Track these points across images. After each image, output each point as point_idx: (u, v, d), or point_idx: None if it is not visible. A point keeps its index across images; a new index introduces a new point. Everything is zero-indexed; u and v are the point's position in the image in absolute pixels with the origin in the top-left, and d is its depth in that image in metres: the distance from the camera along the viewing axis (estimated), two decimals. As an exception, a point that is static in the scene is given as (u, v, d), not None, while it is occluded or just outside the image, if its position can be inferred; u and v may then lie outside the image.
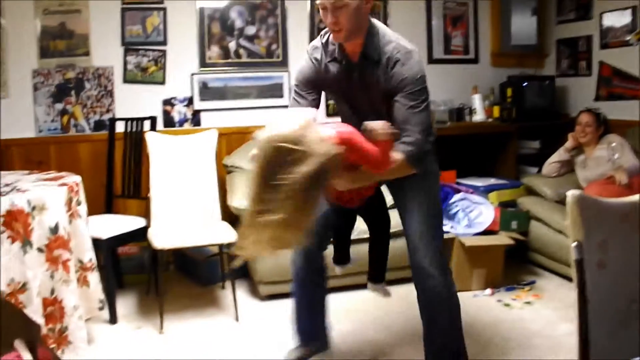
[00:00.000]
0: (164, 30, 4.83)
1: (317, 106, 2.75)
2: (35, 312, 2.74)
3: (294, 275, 3.00)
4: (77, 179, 3.28)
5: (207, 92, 4.94)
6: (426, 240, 2.65)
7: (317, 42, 2.73)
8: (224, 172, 4.65)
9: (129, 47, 4.78)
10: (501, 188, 4.76)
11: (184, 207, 4.05)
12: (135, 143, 4.38)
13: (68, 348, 2.95)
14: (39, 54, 4.61)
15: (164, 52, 4.84)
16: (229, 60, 4.98)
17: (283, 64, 5.07)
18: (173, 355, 3.24)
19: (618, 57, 4.95)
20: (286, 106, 4.93)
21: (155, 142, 4.13)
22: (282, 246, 2.10)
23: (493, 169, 5.23)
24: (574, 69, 5.43)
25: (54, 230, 2.88)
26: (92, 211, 3.66)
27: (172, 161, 4.12)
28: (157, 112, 4.79)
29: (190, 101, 4.93)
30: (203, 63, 4.92)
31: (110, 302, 3.70)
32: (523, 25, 5.52)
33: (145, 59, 4.80)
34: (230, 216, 4.14)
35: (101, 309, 3.39)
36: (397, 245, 3.12)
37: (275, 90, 5.03)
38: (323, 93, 2.83)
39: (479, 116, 5.24)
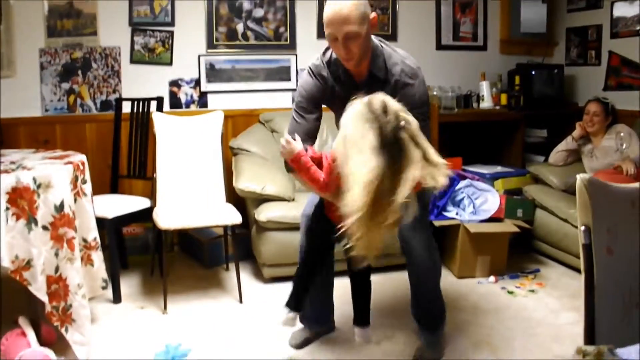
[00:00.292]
0: (171, 11, 4.80)
1: (318, 124, 2.81)
2: (39, 289, 2.75)
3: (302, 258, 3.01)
4: (83, 157, 3.28)
5: (214, 74, 4.92)
6: (416, 224, 2.72)
7: (319, 60, 2.78)
8: (229, 154, 4.64)
9: (137, 27, 4.76)
10: (507, 176, 4.75)
11: (190, 188, 4.05)
12: (141, 123, 4.38)
13: (71, 326, 2.96)
14: (46, 33, 4.59)
15: (171, 33, 4.81)
16: (237, 43, 4.95)
17: (291, 47, 5.04)
18: (176, 336, 3.24)
19: (628, 47, 4.90)
20: (293, 89, 4.97)
21: (162, 123, 4.13)
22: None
23: (499, 156, 5.21)
24: (583, 58, 5.39)
25: (59, 208, 2.88)
26: (97, 191, 3.67)
27: (178, 142, 4.12)
28: (164, 93, 4.76)
29: (197, 83, 4.91)
30: (210, 45, 4.90)
31: (114, 281, 3.71)
32: (533, 12, 5.47)
33: (153, 39, 4.78)
34: (235, 198, 4.14)
35: (105, 288, 3.40)
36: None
37: (282, 73, 5.01)
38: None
39: (486, 103, 5.21)
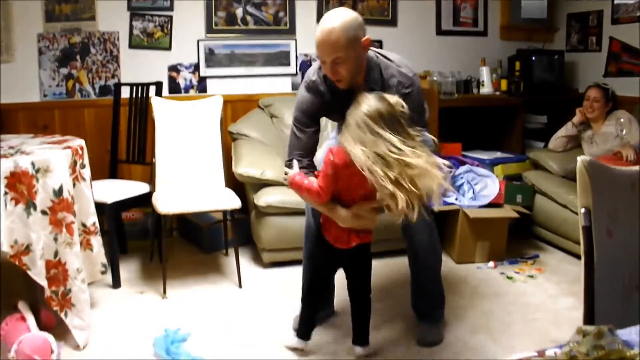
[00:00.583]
0: (170, -4, 4.79)
1: (317, 136, 2.84)
2: (38, 274, 2.75)
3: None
4: (82, 142, 3.27)
5: (213, 58, 4.90)
6: None
7: (315, 75, 2.77)
8: (229, 139, 4.63)
9: (135, 12, 4.73)
10: (507, 162, 4.74)
11: (189, 173, 4.04)
12: (140, 108, 4.36)
13: (71, 311, 2.97)
14: (44, 18, 4.57)
15: (170, 18, 4.79)
16: (236, 27, 4.93)
17: (290, 32, 5.01)
18: (176, 320, 3.24)
19: (629, 33, 4.88)
20: (293, 74, 4.96)
21: (161, 108, 4.11)
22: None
23: (499, 142, 5.20)
24: (584, 44, 5.37)
25: (58, 192, 2.88)
26: (96, 176, 3.66)
27: (177, 127, 4.10)
28: (163, 78, 4.74)
29: (196, 68, 4.89)
30: (210, 29, 4.87)
31: (114, 266, 3.71)
32: (533, -2, 5.46)
33: (152, 24, 4.76)
34: (235, 183, 4.14)
35: (104, 272, 3.40)
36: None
37: (281, 58, 4.99)
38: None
39: (486, 89, 5.20)
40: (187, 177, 4.03)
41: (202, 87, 4.92)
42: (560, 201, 4.26)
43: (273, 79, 5.00)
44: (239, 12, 4.90)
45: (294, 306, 3.10)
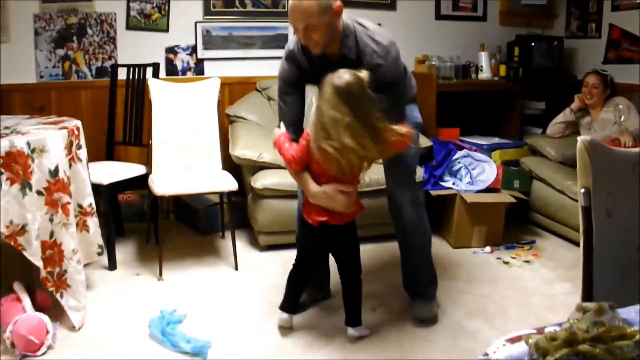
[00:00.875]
0: (168, -23, 4.75)
1: (303, 104, 2.92)
2: (34, 254, 2.74)
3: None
4: (78, 123, 3.26)
5: (210, 40, 4.87)
6: (402, 180, 3.00)
7: (293, 44, 2.83)
8: (226, 122, 4.61)
9: (133, -7, 4.71)
10: (504, 147, 4.72)
11: (185, 155, 4.03)
12: (137, 90, 4.33)
13: (66, 292, 2.96)
14: (40, -2, 4.54)
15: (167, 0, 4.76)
16: (234, 10, 4.89)
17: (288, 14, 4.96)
18: (172, 302, 3.24)
19: (629, 20, 4.85)
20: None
21: (158, 89, 4.09)
22: None
23: (497, 127, 5.19)
24: (584, 31, 5.35)
25: (54, 173, 2.86)
26: (92, 158, 3.65)
27: (174, 108, 4.08)
28: (160, 60, 4.71)
29: (193, 49, 4.86)
30: (207, 11, 4.84)
31: (110, 248, 3.70)
32: (533, -17, 5.44)
33: (149, 5, 4.72)
34: (231, 166, 4.12)
35: (100, 254, 3.40)
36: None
37: (279, 41, 4.94)
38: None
39: (485, 74, 5.18)
40: (183, 159, 4.01)
41: (199, 69, 4.89)
42: (557, 187, 4.25)
43: (271, 62, 4.95)
44: (237, -6, 4.88)
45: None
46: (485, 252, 4.07)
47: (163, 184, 3.62)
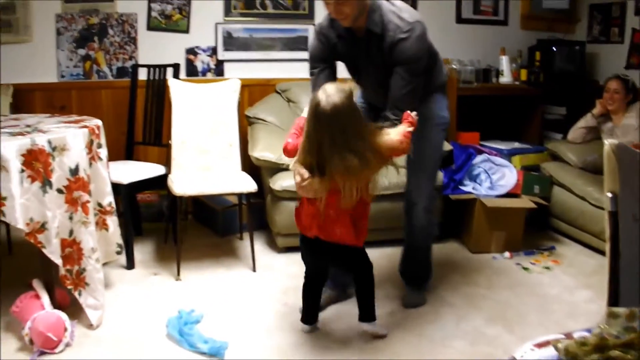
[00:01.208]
0: (189, -22, 4.77)
1: (331, 77, 3.01)
2: (53, 252, 2.75)
3: None
4: (99, 122, 3.27)
5: (231, 42, 4.88)
6: (421, 183, 3.16)
7: (325, 20, 2.97)
8: (245, 123, 4.61)
9: (154, -6, 4.73)
10: (525, 152, 4.69)
11: (205, 156, 4.03)
12: (157, 90, 4.34)
13: (85, 290, 2.97)
14: (63, -2, 4.58)
15: (188, 1, 4.77)
16: (254, 11, 4.90)
17: (309, 16, 4.98)
18: (189, 302, 3.24)
19: (652, 25, 4.82)
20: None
21: (178, 90, 4.10)
22: None
23: (517, 132, 5.15)
24: (606, 36, 5.29)
25: (74, 171, 2.88)
26: (112, 157, 3.66)
27: (194, 109, 4.09)
28: (180, 61, 4.71)
29: (214, 51, 4.87)
30: (228, 13, 4.85)
31: (128, 247, 3.71)
32: (555, -13, 5.40)
33: (170, 6, 4.74)
34: (250, 167, 4.12)
35: (119, 253, 3.41)
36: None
37: (300, 43, 4.94)
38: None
39: (505, 78, 5.15)
40: (203, 160, 4.02)
41: (219, 70, 4.90)
42: (578, 193, 4.21)
43: (291, 64, 4.97)
44: (258, -4, 4.89)
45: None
46: (504, 258, 4.03)
47: (182, 184, 3.62)
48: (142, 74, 4.43)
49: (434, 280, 3.55)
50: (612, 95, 4.44)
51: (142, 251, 4.06)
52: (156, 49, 4.73)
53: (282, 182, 3.88)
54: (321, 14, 4.89)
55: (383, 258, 3.79)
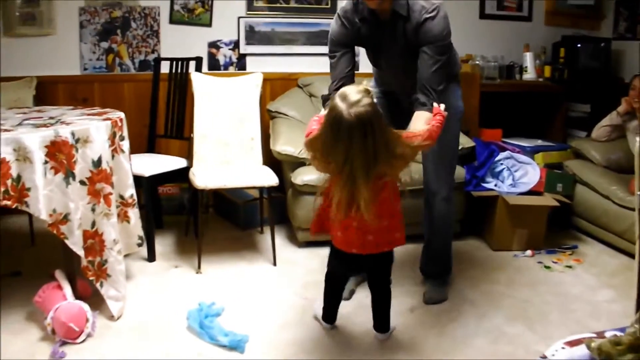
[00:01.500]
0: (212, -28, 4.77)
1: (350, 61, 2.99)
2: (75, 243, 2.76)
3: None
4: (121, 114, 3.28)
5: (253, 36, 4.88)
6: (441, 172, 3.21)
7: (348, 4, 2.95)
8: (267, 117, 4.61)
9: (177, -13, 4.73)
10: (548, 150, 4.64)
11: (226, 149, 4.04)
12: (179, 83, 4.35)
13: (106, 281, 2.98)
14: (86, -9, 4.60)
15: (211, -6, 4.78)
16: (277, 5, 4.90)
17: (332, 10, 4.93)
18: (210, 295, 3.24)
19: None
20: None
21: (201, 83, 4.10)
22: None
23: (541, 130, 5.11)
24: (632, 32, 5.23)
25: (97, 163, 2.88)
26: (134, 150, 3.67)
27: (216, 102, 4.10)
28: (203, 54, 4.73)
29: (236, 45, 4.88)
30: (250, 7, 4.85)
31: (149, 240, 3.72)
32: (580, -17, 5.34)
33: (192, 0, 4.74)
34: (272, 162, 4.12)
35: (140, 245, 3.42)
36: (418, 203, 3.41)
37: (322, 37, 4.91)
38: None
39: (529, 75, 5.10)
40: (224, 153, 4.03)
41: (241, 64, 4.90)
42: (601, 192, 4.16)
43: (313, 58, 4.96)
44: (281, -11, 4.88)
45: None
46: (526, 256, 4.00)
47: (204, 178, 3.63)
48: (165, 68, 4.44)
49: (454, 277, 3.55)
50: (638, 93, 4.38)
51: (163, 244, 4.07)
52: (178, 42, 4.75)
53: (304, 176, 3.88)
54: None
55: (402, 254, 3.77)
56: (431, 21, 2.77)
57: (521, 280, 3.62)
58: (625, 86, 4.61)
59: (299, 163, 4.00)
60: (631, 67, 5.18)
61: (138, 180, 3.57)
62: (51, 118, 3.06)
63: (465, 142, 4.18)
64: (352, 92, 2.32)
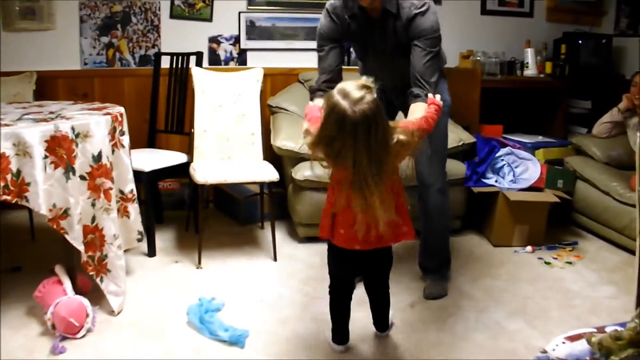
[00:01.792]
0: (212, -34, 4.76)
1: (342, 57, 3.05)
2: (75, 238, 2.76)
3: None
4: (121, 109, 3.27)
5: (254, 31, 4.87)
6: (434, 165, 3.22)
7: (338, 0, 2.96)
8: (268, 113, 4.61)
9: (177, -18, 4.72)
10: (549, 146, 4.64)
11: (227, 145, 4.04)
12: (180, 78, 4.34)
13: (106, 276, 2.98)
14: (86, -15, 4.58)
15: (212, -11, 4.77)
16: (278, 0, 4.90)
17: (332, 7, 4.95)
18: (210, 290, 3.25)
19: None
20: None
21: (201, 78, 4.10)
22: None
23: (541, 126, 5.10)
24: (634, 29, 5.21)
25: (97, 158, 2.88)
26: (134, 145, 3.67)
27: (217, 97, 4.10)
28: (203, 49, 4.71)
29: (236, 40, 4.87)
30: (251, 2, 4.85)
31: (149, 235, 3.72)
32: (582, -21, 5.33)
33: (193, -5, 4.75)
34: (272, 157, 4.12)
35: (140, 240, 3.41)
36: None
37: (323, 33, 4.93)
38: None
39: (530, 71, 5.09)
40: (225, 149, 4.03)
41: (242, 59, 4.90)
42: (602, 188, 4.16)
43: (314, 54, 4.86)
44: (282, -15, 4.87)
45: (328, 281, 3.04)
46: (526, 252, 4.00)
47: (204, 173, 3.63)
48: (165, 62, 4.43)
49: (454, 273, 3.55)
50: (638, 89, 4.38)
51: (163, 239, 4.07)
52: (179, 37, 4.74)
53: (304, 171, 3.88)
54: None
55: (401, 250, 3.77)
56: (421, 16, 2.83)
57: (521, 276, 3.62)
58: (626, 83, 4.60)
59: (299, 158, 4.00)
60: (632, 63, 5.17)
61: (138, 175, 3.56)
62: (51, 113, 3.05)
63: (465, 137, 4.18)
64: (353, 89, 2.21)
